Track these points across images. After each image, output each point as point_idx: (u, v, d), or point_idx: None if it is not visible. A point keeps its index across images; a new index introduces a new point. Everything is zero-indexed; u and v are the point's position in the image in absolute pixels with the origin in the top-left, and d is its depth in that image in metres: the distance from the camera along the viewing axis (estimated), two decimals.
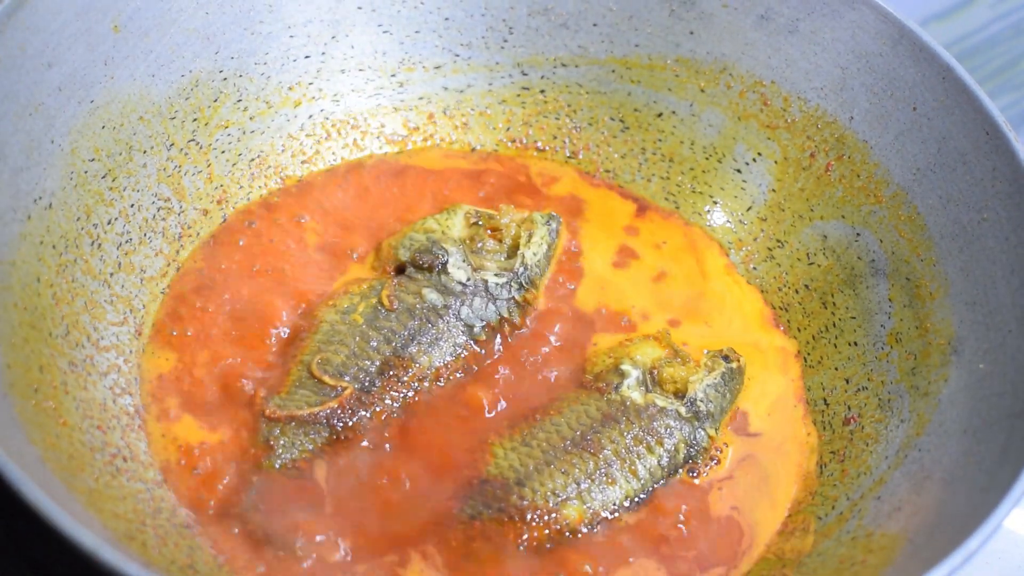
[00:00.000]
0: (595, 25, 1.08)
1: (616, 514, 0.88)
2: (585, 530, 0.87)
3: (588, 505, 0.87)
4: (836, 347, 0.99)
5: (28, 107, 0.86)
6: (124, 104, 0.95)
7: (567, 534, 0.86)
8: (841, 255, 1.01)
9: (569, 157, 1.10)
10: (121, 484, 0.82)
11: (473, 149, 1.10)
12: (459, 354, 0.95)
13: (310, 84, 1.06)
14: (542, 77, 1.10)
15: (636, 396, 0.92)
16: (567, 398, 0.93)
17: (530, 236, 1.01)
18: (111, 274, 0.92)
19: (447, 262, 0.97)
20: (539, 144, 1.10)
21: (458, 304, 0.96)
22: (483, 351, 0.96)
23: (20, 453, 0.72)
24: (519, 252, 1.00)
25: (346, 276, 0.99)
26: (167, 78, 0.98)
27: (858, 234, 1.00)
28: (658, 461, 0.90)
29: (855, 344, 0.98)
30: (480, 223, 1.01)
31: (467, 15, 1.08)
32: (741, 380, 0.96)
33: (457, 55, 1.09)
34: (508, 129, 1.10)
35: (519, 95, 1.10)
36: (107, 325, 0.90)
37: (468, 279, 0.97)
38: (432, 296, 0.96)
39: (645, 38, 1.07)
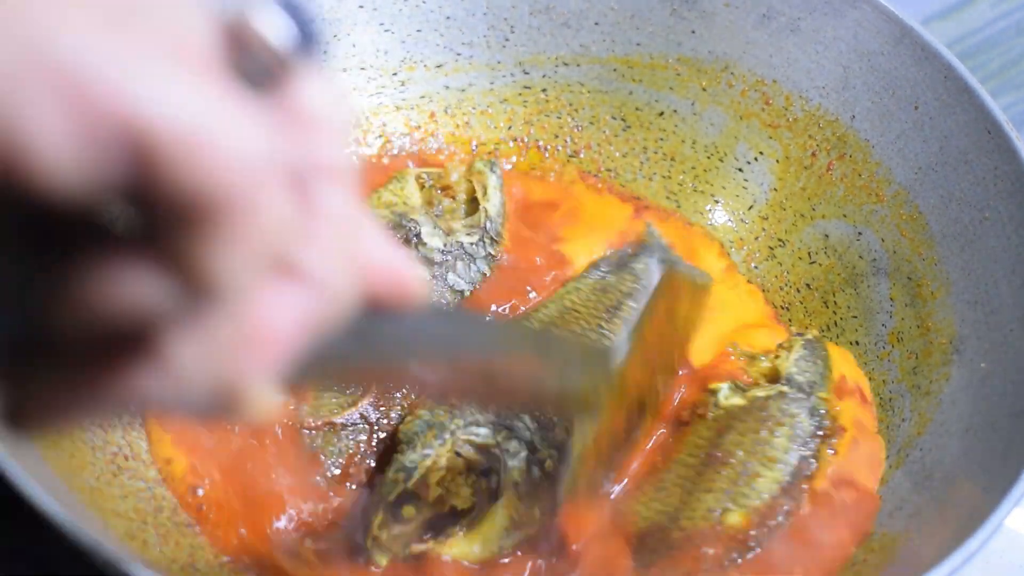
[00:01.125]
0: (596, 24, 1.08)
1: (780, 501, 0.86)
2: (755, 532, 0.84)
3: (745, 506, 0.85)
4: (837, 346, 0.98)
5: None
6: None
7: (739, 539, 0.84)
8: (842, 254, 1.01)
9: (570, 156, 1.10)
10: (122, 483, 0.82)
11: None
12: None
13: None
14: (543, 76, 1.10)
15: (737, 400, 0.91)
16: (676, 438, 0.91)
17: (484, 188, 1.00)
18: None
19: (420, 232, 0.97)
20: (540, 143, 1.10)
21: (443, 272, 0.96)
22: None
23: (20, 452, 0.72)
24: (481, 207, 1.00)
25: None
26: None
27: (859, 233, 1.00)
28: (786, 438, 0.88)
29: (856, 343, 0.98)
30: (431, 184, 1.01)
31: (468, 14, 1.08)
32: (824, 347, 0.96)
33: (459, 54, 1.09)
34: (509, 128, 1.10)
35: (520, 94, 1.10)
36: None
37: (445, 245, 0.97)
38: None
39: (646, 37, 1.07)
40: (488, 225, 0.99)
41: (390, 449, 0.86)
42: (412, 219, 0.97)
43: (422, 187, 1.01)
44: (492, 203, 1.00)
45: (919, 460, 0.87)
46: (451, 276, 0.96)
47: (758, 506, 0.85)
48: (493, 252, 0.99)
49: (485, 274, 0.98)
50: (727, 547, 0.83)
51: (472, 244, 0.98)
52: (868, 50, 1.00)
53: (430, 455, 0.83)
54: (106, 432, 0.84)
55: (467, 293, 0.96)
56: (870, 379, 0.95)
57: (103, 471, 0.81)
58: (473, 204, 1.01)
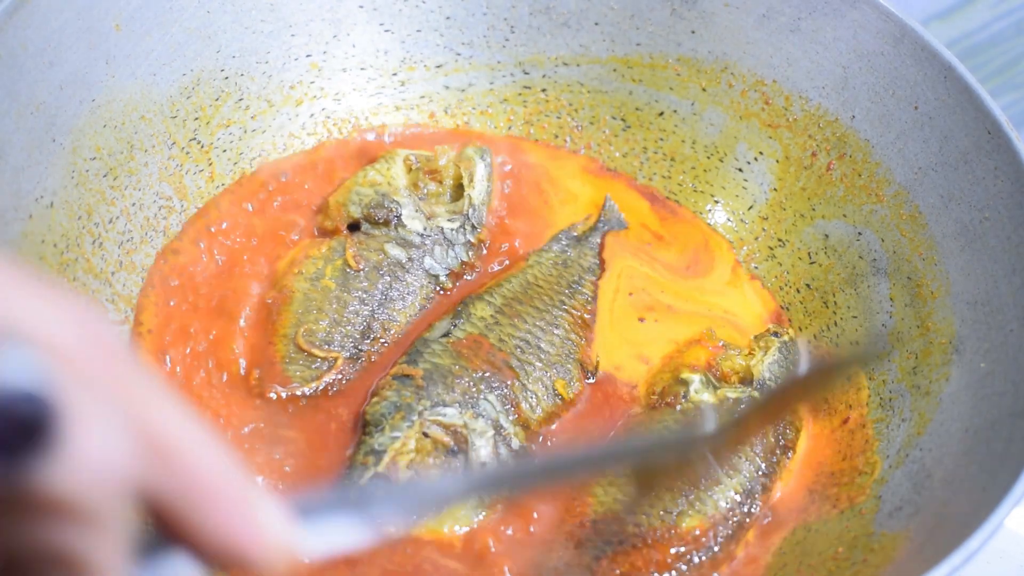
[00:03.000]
0: (596, 24, 1.08)
1: (734, 511, 0.87)
2: (706, 539, 0.85)
3: (701, 512, 0.85)
4: (837, 346, 0.98)
5: (29, 105, 0.86)
6: (125, 103, 0.95)
7: (690, 543, 0.84)
8: (842, 254, 1.01)
9: (570, 156, 1.10)
10: None
11: None
12: (426, 306, 0.96)
13: (311, 83, 1.06)
14: (543, 76, 1.10)
15: (707, 397, 0.91)
16: (642, 423, 0.91)
17: (471, 175, 1.01)
18: (112, 273, 0.92)
19: (401, 214, 0.97)
20: (541, 142, 1.10)
21: (420, 255, 0.97)
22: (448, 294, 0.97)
23: None
24: (465, 194, 1.00)
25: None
26: (168, 77, 0.98)
27: (859, 233, 1.00)
28: (750, 448, 0.89)
29: (856, 343, 0.98)
30: (419, 166, 1.01)
31: (468, 14, 1.08)
32: (798, 350, 0.96)
33: (458, 54, 1.09)
34: (509, 128, 1.10)
35: (520, 94, 1.10)
36: (108, 324, 0.90)
37: (425, 228, 0.97)
38: (395, 251, 0.96)
39: (646, 37, 1.07)
40: (471, 212, 1.00)
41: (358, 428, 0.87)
42: (394, 200, 0.98)
43: (409, 169, 1.01)
44: (477, 191, 1.00)
45: (919, 460, 0.87)
46: (428, 260, 0.97)
47: (713, 514, 0.86)
48: (472, 240, 0.99)
49: (463, 261, 0.98)
50: (678, 549, 0.84)
51: (452, 230, 0.98)
52: (868, 50, 1.00)
53: (399, 437, 0.84)
54: None
55: (442, 278, 0.97)
56: (870, 379, 0.95)
57: None
58: (459, 190, 1.01)
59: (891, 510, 0.85)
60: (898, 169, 0.99)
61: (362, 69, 1.08)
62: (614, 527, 0.84)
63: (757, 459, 0.88)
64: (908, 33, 0.98)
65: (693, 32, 1.06)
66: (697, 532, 0.85)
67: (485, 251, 1.00)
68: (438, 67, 1.09)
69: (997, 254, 0.91)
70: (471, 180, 1.00)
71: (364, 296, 0.93)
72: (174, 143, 0.98)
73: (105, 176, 0.93)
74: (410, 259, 0.96)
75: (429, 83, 1.09)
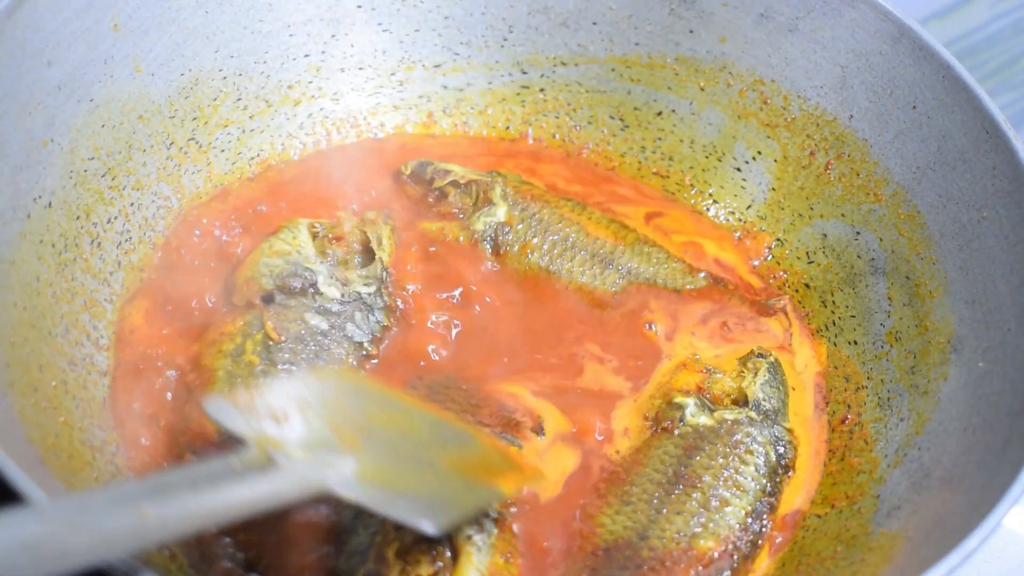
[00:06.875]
0: (595, 24, 1.08)
1: (746, 530, 0.87)
2: (723, 558, 0.85)
3: (715, 532, 0.85)
4: (835, 346, 0.99)
5: (28, 106, 0.86)
6: (124, 103, 0.95)
7: (707, 562, 0.84)
8: (841, 254, 1.01)
9: (568, 156, 1.10)
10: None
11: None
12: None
13: (310, 83, 1.06)
14: (541, 76, 1.10)
15: (704, 420, 0.91)
16: (640, 450, 0.90)
17: (379, 238, 0.97)
18: (111, 273, 0.92)
19: (317, 282, 0.93)
20: (543, 142, 1.10)
21: (341, 322, 0.92)
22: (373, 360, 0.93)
23: (20, 452, 0.72)
24: (377, 256, 0.96)
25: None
26: (167, 77, 0.98)
27: (858, 233, 1.00)
28: (755, 468, 0.89)
29: (854, 343, 0.98)
30: (323, 233, 0.97)
31: (467, 14, 1.08)
32: (783, 371, 0.97)
33: (457, 54, 1.09)
34: (508, 128, 1.10)
35: (519, 94, 1.10)
36: (107, 324, 0.90)
37: (343, 295, 0.93)
38: (315, 320, 0.91)
39: (645, 37, 1.07)
40: (385, 276, 0.95)
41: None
42: (308, 268, 0.93)
43: (315, 236, 0.97)
44: (388, 253, 0.96)
45: (917, 459, 0.87)
46: (349, 327, 0.92)
47: (727, 534, 0.86)
48: (390, 303, 0.95)
49: (384, 325, 0.94)
50: (696, 570, 0.84)
51: (370, 295, 0.94)
52: (866, 49, 1.00)
53: (377, 531, 0.80)
54: (105, 433, 0.84)
55: (366, 344, 0.92)
56: (868, 379, 0.95)
57: (102, 471, 0.81)
58: (367, 254, 0.97)
59: (889, 509, 0.85)
60: (896, 168, 0.99)
61: (360, 69, 1.08)
62: (627, 552, 0.84)
63: (762, 479, 0.89)
64: (906, 32, 0.98)
65: (691, 32, 1.06)
66: (712, 552, 0.84)
67: (399, 313, 0.95)
68: (436, 67, 1.09)
69: (995, 253, 0.91)
70: (380, 243, 0.97)
71: (291, 368, 0.88)
72: (172, 143, 0.98)
73: (103, 176, 0.93)
74: (332, 327, 0.91)
75: (427, 83, 1.09)
